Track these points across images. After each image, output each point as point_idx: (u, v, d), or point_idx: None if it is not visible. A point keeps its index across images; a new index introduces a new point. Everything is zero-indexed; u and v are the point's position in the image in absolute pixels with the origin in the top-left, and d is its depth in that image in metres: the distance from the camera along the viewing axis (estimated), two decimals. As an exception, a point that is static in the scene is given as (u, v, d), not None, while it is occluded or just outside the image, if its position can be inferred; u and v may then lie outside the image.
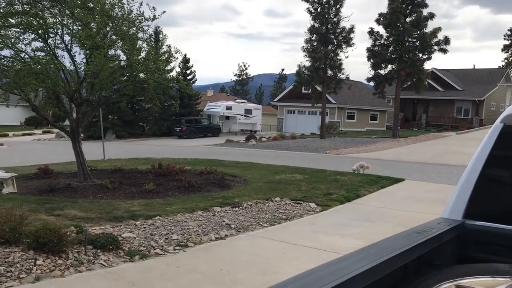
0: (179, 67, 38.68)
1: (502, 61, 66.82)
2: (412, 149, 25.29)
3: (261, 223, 7.79)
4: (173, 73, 14.80)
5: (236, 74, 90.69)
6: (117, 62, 10.87)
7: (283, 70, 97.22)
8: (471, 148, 19.92)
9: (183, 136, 36.56)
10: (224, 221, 7.61)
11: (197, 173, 13.12)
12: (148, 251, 5.87)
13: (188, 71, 39.86)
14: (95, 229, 6.54)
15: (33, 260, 4.93)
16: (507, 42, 65.68)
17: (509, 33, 65.34)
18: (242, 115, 41.91)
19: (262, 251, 6.17)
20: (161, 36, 12.45)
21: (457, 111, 47.46)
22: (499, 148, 2.00)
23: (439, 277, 1.56)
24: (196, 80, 41.19)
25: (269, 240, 6.77)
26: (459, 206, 1.96)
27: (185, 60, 39.26)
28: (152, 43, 12.23)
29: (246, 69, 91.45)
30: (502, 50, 66.14)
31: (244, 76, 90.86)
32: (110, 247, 5.56)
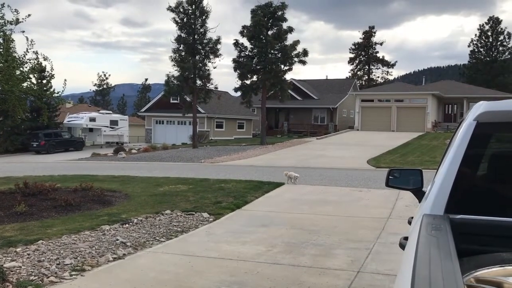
0: (34, 76, 35.39)
1: (349, 72, 74.26)
2: (281, 154, 26.61)
3: (157, 238, 7.46)
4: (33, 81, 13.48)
5: (96, 84, 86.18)
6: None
7: (146, 80, 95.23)
8: (332, 152, 21.66)
9: (42, 152, 33.54)
10: (118, 240, 7.12)
11: (71, 190, 12.06)
12: (41, 280, 5.21)
13: (44, 81, 36.63)
14: (-34, 263, 5.61)
15: None
16: (352, 55, 73.21)
17: (353, 47, 72.88)
18: (107, 126, 39.86)
19: (169, 267, 5.90)
20: (27, 42, 11.24)
21: (314, 118, 51.37)
22: (473, 145, 2.19)
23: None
24: (53, 91, 38.10)
25: (172, 255, 6.51)
26: (440, 202, 2.09)
27: (41, 69, 36.03)
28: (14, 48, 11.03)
29: (106, 78, 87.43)
30: (349, 62, 73.50)
31: (105, 86, 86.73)
32: (-5, 281, 4.81)
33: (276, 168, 19.71)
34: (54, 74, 12.81)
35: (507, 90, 50.16)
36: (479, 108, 2.27)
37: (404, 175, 3.44)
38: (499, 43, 62.94)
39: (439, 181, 2.14)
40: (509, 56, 63.10)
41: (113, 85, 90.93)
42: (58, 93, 17.24)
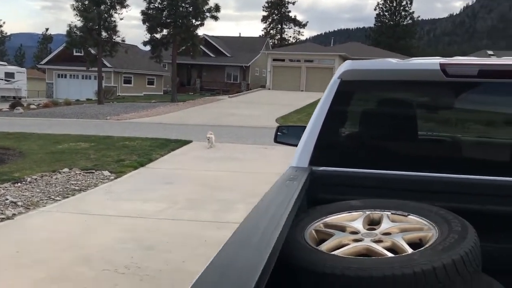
0: None
1: (262, 30, 74.38)
2: (192, 112, 26.35)
3: (52, 197, 7.14)
4: None
5: (-12, 32, 77.77)
6: None
7: (47, 29, 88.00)
8: (243, 110, 21.74)
9: None
10: (7, 199, 6.70)
11: (-44, 148, 11.08)
12: None
13: None
14: None
15: None
16: (265, 13, 73.14)
17: (267, 5, 72.72)
18: (2, 79, 36.59)
19: (62, 226, 5.70)
20: None
21: (227, 76, 51.18)
22: (337, 102, 2.30)
23: (308, 218, 1.76)
24: None
25: (67, 214, 6.28)
26: (305, 155, 2.20)
27: None
28: None
29: (0, 26, 79.24)
30: (262, 20, 73.42)
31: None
32: None
33: (186, 126, 19.55)
34: None
35: (408, 53, 53.30)
36: (344, 66, 2.39)
37: (291, 132, 3.56)
38: (402, 8, 66.25)
39: (305, 135, 2.25)
40: (410, 21, 66.90)
41: (9, 34, 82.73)
42: None
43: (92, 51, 32.65)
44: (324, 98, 2.33)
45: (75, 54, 37.57)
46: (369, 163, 2.23)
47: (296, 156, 2.25)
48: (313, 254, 1.47)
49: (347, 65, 2.38)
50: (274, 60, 46.75)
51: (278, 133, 3.53)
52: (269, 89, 45.41)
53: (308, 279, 1.39)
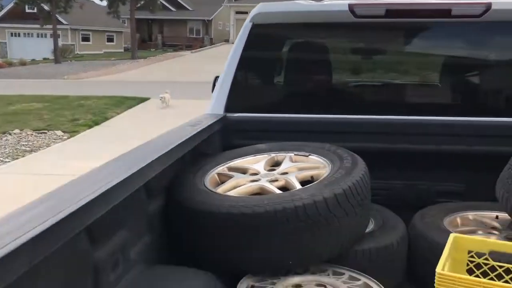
0: None
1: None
2: (154, 69, 25.78)
3: (1, 158, 6.97)
4: None
5: None
6: None
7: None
8: (205, 66, 21.18)
9: None
10: (-48, 163, 6.51)
11: None
12: None
13: None
14: None
15: None
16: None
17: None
18: (-51, 40, 34.63)
19: (9, 187, 5.59)
20: None
21: (190, 31, 49.83)
22: (249, 46, 2.27)
23: (213, 163, 1.77)
24: None
25: (16, 174, 6.16)
26: (220, 102, 2.19)
27: None
28: None
29: None
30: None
31: None
32: None
33: (147, 83, 19.17)
34: None
35: None
36: (256, 9, 2.35)
37: None
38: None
39: (219, 82, 2.23)
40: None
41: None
42: None
43: (45, 7, 31.07)
44: (237, 43, 2.30)
45: (27, 11, 35.69)
46: (282, 108, 2.24)
47: (212, 103, 2.25)
48: (206, 195, 1.49)
49: (259, 8, 2.34)
50: (237, 13, 45.65)
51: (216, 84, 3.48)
52: (233, 43, 44.51)
53: (201, 219, 1.43)
